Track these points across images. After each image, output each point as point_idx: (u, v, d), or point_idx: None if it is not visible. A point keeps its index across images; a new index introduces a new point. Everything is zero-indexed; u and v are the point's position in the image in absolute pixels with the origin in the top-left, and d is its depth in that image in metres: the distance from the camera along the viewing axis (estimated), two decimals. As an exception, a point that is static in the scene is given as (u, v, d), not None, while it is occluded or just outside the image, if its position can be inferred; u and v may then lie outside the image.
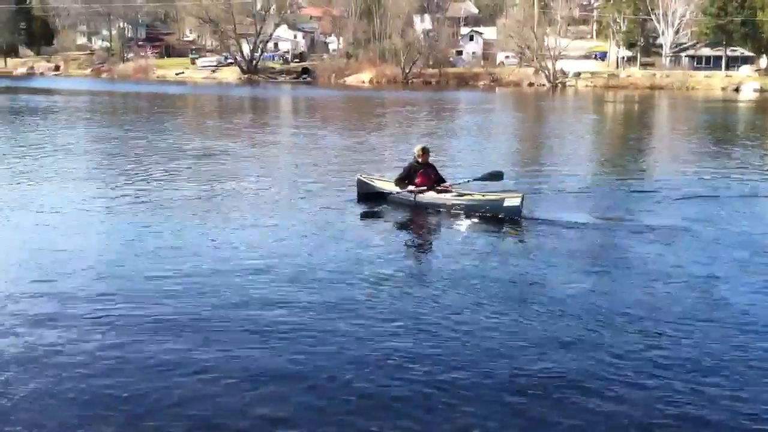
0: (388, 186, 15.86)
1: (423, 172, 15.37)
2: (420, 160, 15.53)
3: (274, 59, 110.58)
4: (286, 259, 11.54)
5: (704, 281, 10.67)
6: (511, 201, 14.18)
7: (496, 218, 14.31)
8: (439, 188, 15.38)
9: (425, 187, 15.25)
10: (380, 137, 32.25)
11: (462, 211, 14.65)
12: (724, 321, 9.04)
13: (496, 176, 16.28)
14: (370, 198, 16.08)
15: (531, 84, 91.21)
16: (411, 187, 15.27)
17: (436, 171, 15.71)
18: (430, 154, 15.98)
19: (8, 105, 53.13)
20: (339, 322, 8.87)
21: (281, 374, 7.46)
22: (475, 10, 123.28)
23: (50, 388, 7.19)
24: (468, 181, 16.04)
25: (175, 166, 21.96)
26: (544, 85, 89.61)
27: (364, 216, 15.29)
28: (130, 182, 19.04)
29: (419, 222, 14.68)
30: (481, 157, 25.74)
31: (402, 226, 14.65)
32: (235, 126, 37.79)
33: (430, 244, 13.44)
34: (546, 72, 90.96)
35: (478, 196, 15.06)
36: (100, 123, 39.82)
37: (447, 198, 15.12)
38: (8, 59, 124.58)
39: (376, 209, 15.58)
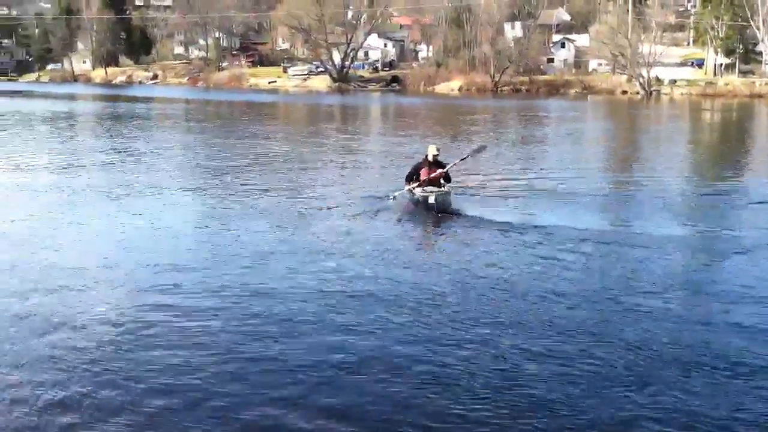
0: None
1: (427, 169, 16.61)
2: (429, 158, 16.77)
3: (364, 68, 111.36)
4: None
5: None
6: (431, 198, 15.69)
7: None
8: (432, 177, 16.48)
9: (417, 183, 16.53)
10: (463, 145, 32.03)
11: (407, 200, 16.58)
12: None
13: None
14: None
15: (624, 92, 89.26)
16: (407, 187, 16.69)
17: (442, 167, 16.74)
18: (440, 152, 17.19)
19: (109, 112, 55.21)
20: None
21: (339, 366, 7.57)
22: (568, 17, 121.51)
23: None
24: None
25: (258, 172, 22.35)
26: (638, 93, 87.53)
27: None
28: (214, 185, 19.50)
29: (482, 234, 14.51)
30: (569, 166, 25.29)
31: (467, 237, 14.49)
32: (320, 133, 38.14)
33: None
34: (640, 80, 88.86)
35: (419, 191, 16.37)
36: (192, 129, 40.89)
37: (402, 193, 16.81)
38: (109, 68, 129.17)
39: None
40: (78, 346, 8.47)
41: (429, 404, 7.10)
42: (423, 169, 16.71)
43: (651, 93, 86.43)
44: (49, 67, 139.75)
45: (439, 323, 9.20)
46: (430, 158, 16.79)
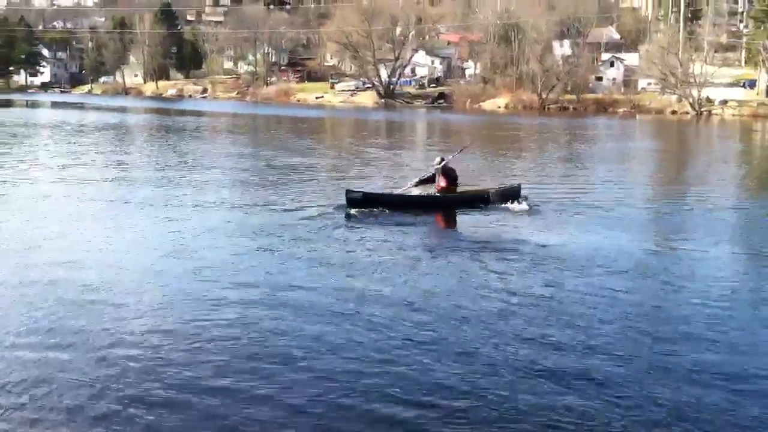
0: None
1: (442, 175, 18.26)
2: (439, 168, 18.30)
3: (410, 84, 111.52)
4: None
5: None
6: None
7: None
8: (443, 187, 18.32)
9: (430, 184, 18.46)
10: (503, 163, 31.84)
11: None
12: None
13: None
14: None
15: (674, 112, 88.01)
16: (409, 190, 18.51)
17: (450, 174, 18.35)
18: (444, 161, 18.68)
19: (159, 124, 56.14)
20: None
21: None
22: (617, 36, 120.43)
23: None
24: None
25: (296, 185, 22.45)
26: (687, 113, 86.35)
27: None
28: (254, 197, 19.66)
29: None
30: (614, 183, 24.96)
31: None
32: (364, 148, 38.14)
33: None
34: (690, 100, 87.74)
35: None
36: (239, 143, 41.25)
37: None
38: (159, 82, 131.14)
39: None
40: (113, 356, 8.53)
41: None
42: (438, 177, 18.32)
43: (701, 113, 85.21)
44: (102, 79, 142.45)
45: (473, 344, 9.08)
46: (439, 168, 18.28)
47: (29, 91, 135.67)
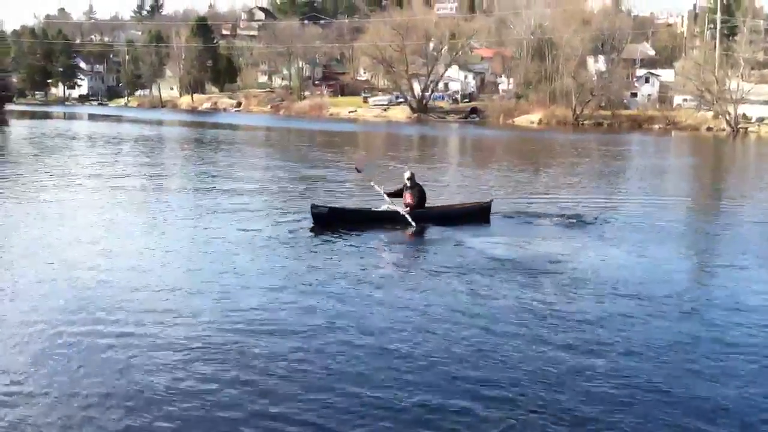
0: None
1: (409, 193, 18.40)
2: (407, 182, 18.49)
3: (443, 99, 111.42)
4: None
5: None
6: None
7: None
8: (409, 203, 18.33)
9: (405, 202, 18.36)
10: (534, 178, 31.67)
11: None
12: None
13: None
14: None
15: (710, 129, 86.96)
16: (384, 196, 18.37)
17: (419, 188, 18.55)
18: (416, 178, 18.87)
19: (193, 137, 56.73)
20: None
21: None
22: (652, 52, 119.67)
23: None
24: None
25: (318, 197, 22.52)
26: (723, 130, 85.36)
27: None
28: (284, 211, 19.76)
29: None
30: (645, 204, 24.72)
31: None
32: (394, 162, 38.14)
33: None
34: (727, 117, 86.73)
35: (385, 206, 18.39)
36: (266, 156, 41.57)
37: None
38: (195, 95, 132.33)
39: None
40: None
41: None
42: (405, 193, 18.46)
43: (738, 130, 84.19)
44: (138, 92, 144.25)
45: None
46: (407, 183, 18.45)
47: (67, 103, 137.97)
